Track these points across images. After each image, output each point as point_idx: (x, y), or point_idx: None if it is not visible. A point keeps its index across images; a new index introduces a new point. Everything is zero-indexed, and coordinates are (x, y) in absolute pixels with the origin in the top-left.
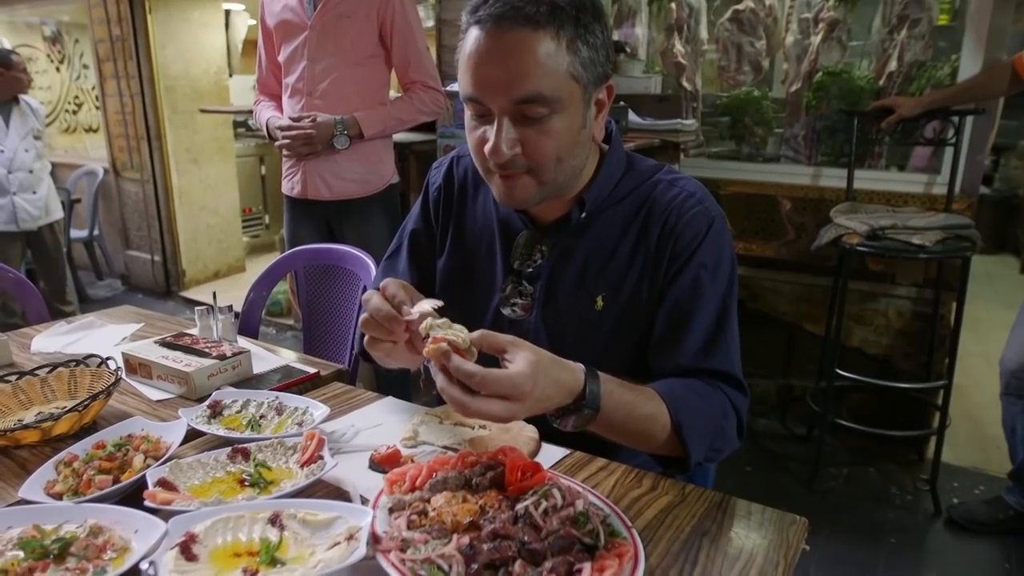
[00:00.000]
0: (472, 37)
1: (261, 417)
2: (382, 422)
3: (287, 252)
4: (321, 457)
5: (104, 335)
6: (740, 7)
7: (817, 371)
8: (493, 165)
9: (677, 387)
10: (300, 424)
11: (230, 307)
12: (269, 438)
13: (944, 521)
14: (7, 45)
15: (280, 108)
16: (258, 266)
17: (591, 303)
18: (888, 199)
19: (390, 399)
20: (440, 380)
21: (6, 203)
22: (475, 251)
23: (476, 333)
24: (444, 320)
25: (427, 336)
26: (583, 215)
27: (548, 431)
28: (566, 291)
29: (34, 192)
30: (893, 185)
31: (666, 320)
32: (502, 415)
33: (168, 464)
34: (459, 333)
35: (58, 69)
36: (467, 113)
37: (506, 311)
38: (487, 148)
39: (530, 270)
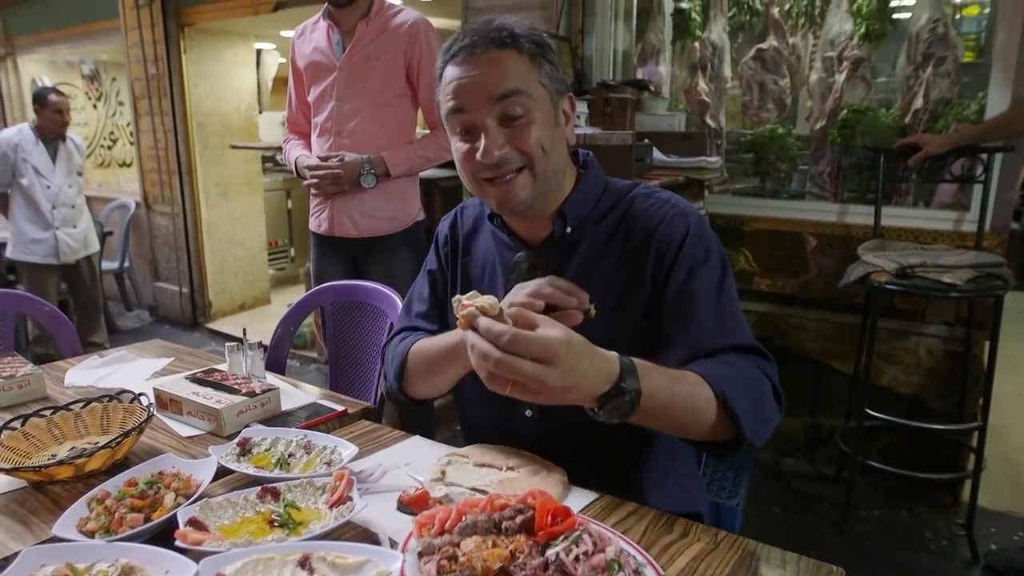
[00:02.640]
0: (448, 71)
1: (290, 455)
2: (409, 461)
3: (315, 288)
4: (350, 498)
5: (135, 369)
6: (763, 46)
7: (846, 410)
8: (486, 171)
9: (707, 364)
10: (329, 463)
11: (260, 343)
12: (298, 478)
13: (982, 568)
14: (48, 83)
15: (309, 147)
16: (283, 298)
17: (586, 313)
18: (916, 236)
19: (416, 438)
20: (471, 338)
21: (48, 237)
22: (480, 284)
23: (512, 308)
24: (472, 292)
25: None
26: (568, 229)
27: (576, 474)
28: None
29: (75, 227)
30: (921, 222)
31: (670, 314)
32: (532, 375)
33: (199, 503)
34: (488, 299)
35: (95, 106)
36: (453, 137)
37: None
38: (479, 153)
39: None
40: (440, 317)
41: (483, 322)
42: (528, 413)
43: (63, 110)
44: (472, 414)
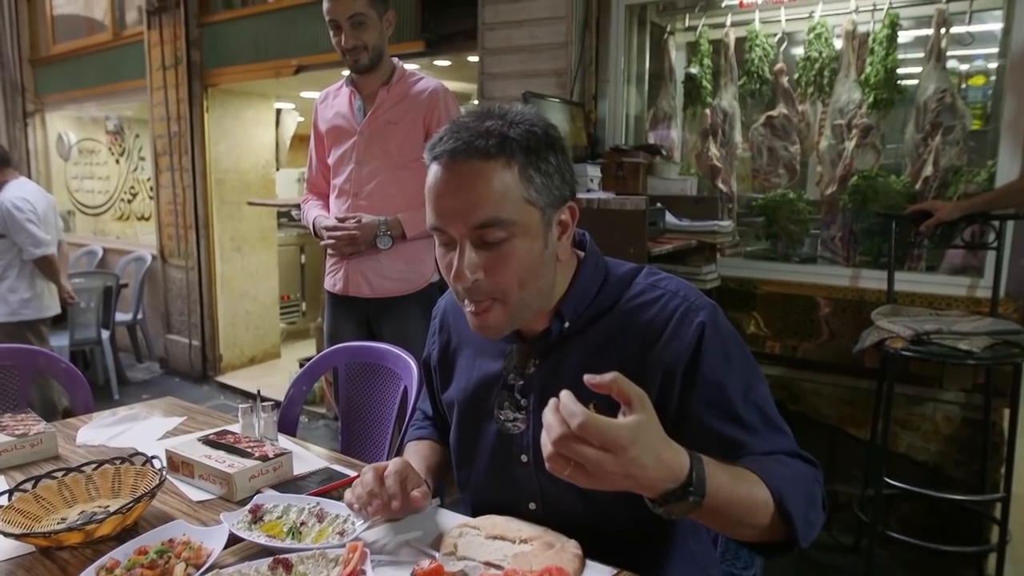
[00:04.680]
0: (432, 172)
1: (302, 524)
2: (421, 530)
3: (329, 349)
4: (363, 571)
5: (147, 428)
6: (773, 113)
7: (863, 477)
8: (462, 291)
9: (762, 461)
10: (341, 533)
11: (274, 404)
12: (311, 548)
13: None
14: (73, 139)
15: (327, 207)
16: (293, 352)
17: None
18: (930, 301)
19: (427, 506)
20: (547, 416)
21: None
22: (474, 375)
23: (611, 374)
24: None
25: None
26: (565, 325)
27: (591, 549)
28: None
29: None
30: (934, 287)
31: (701, 433)
32: (591, 459)
33: (209, 574)
34: None
35: (117, 161)
36: (436, 243)
37: (503, 425)
38: (452, 273)
39: (522, 383)
40: (435, 409)
41: (564, 396)
42: (532, 507)
43: None
44: (475, 509)
